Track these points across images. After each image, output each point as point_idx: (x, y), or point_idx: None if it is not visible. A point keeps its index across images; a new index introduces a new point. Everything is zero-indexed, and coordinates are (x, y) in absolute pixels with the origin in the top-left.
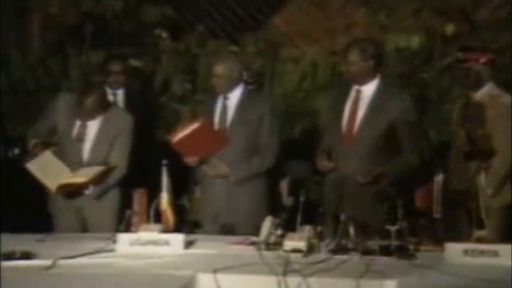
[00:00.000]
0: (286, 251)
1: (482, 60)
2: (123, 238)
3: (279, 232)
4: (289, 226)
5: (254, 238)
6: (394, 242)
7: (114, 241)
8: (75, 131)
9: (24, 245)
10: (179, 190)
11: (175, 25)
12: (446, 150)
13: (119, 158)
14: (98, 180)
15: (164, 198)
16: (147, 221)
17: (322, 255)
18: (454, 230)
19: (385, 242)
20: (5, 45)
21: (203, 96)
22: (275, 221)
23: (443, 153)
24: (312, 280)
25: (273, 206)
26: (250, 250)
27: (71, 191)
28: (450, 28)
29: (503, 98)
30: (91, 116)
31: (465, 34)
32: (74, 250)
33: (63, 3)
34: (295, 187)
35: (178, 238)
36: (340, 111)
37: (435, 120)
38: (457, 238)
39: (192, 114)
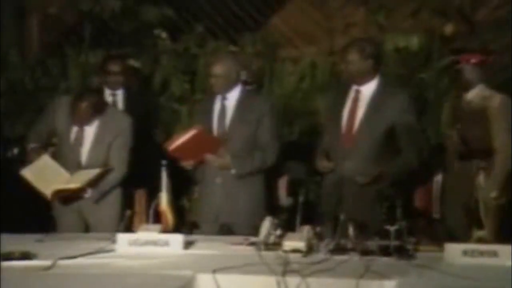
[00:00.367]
0: (285, 251)
1: (473, 60)
2: (123, 239)
3: (278, 232)
4: (288, 227)
5: (253, 239)
6: (394, 242)
7: (114, 242)
8: (73, 135)
9: (24, 245)
10: (179, 190)
11: (174, 25)
12: (445, 150)
13: (118, 160)
14: (93, 183)
15: (164, 199)
16: (147, 221)
17: (321, 255)
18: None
19: (384, 242)
20: (4, 45)
21: (202, 96)
22: (275, 222)
23: (442, 154)
24: (312, 280)
25: (272, 207)
26: (249, 251)
27: (67, 197)
28: (449, 29)
29: (496, 98)
30: (87, 121)
31: (464, 34)
32: (74, 250)
33: (62, 3)
34: (294, 188)
35: (177, 239)
36: (340, 111)
37: (434, 120)
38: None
39: (191, 115)
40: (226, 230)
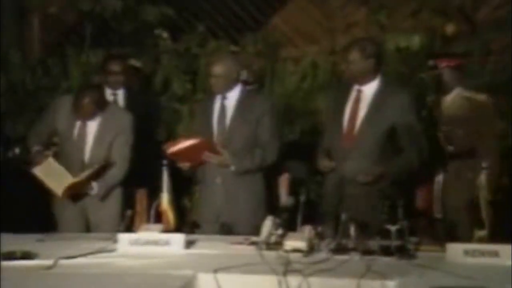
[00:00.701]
0: (286, 251)
1: (451, 64)
2: (124, 238)
3: (279, 232)
4: (289, 226)
5: (254, 238)
6: (395, 242)
7: (115, 241)
8: (76, 131)
9: (24, 245)
10: (180, 190)
11: (175, 25)
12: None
13: (120, 157)
14: (95, 176)
15: (165, 198)
16: (148, 221)
17: (322, 255)
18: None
19: (385, 242)
20: (5, 45)
21: (203, 96)
22: (276, 221)
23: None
24: (313, 280)
25: (273, 206)
26: (250, 250)
27: (76, 194)
28: (450, 28)
29: (480, 97)
30: (89, 116)
31: (465, 34)
32: (74, 250)
33: (63, 3)
34: (295, 187)
35: (178, 238)
36: (341, 111)
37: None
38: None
39: (192, 114)
40: (226, 229)
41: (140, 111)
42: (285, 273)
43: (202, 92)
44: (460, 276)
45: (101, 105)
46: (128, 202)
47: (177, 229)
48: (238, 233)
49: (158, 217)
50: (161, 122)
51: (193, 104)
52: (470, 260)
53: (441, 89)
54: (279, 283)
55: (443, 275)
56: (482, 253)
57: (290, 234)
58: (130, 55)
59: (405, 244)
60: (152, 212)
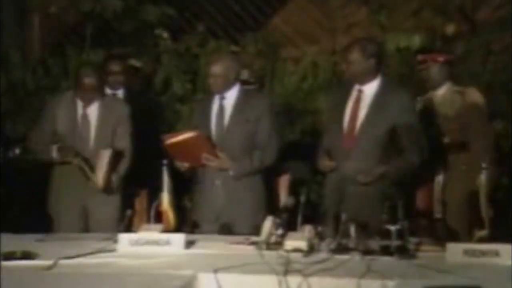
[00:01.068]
0: (287, 250)
1: (440, 59)
2: (124, 238)
3: (279, 232)
4: (289, 226)
5: (254, 238)
6: (395, 242)
7: (115, 241)
8: (79, 119)
9: (24, 245)
10: (180, 190)
11: (175, 25)
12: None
13: (124, 145)
14: (112, 166)
15: (165, 198)
16: (148, 221)
17: (322, 255)
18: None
19: (385, 242)
20: (5, 45)
21: (203, 96)
22: (276, 221)
23: (444, 153)
24: (313, 280)
25: (273, 206)
26: (250, 250)
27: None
28: (450, 28)
29: (471, 91)
30: (90, 95)
31: (465, 34)
32: (75, 250)
33: (63, 3)
34: (295, 187)
35: (178, 238)
36: (341, 111)
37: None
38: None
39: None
40: (226, 230)
41: (140, 111)
42: (285, 273)
43: (202, 92)
44: (460, 276)
45: (100, 87)
46: (128, 202)
47: (177, 229)
48: (238, 233)
49: (159, 217)
50: (161, 122)
51: (192, 103)
52: (470, 260)
53: (430, 84)
54: (279, 283)
55: (443, 275)
56: (482, 253)
57: (290, 234)
58: (130, 55)
59: (405, 244)
60: (152, 212)
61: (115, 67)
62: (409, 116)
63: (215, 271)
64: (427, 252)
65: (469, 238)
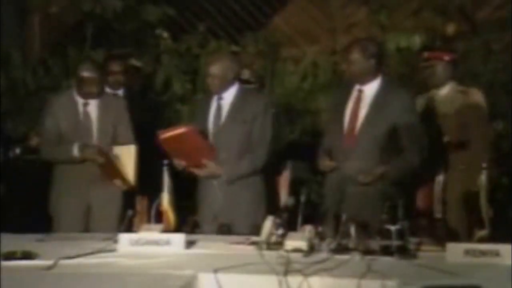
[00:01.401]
0: (287, 250)
1: (446, 58)
2: (124, 238)
3: (280, 231)
4: (290, 226)
5: (255, 238)
6: (395, 242)
7: (115, 241)
8: (80, 115)
9: (24, 245)
10: (180, 190)
11: (176, 25)
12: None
13: (129, 140)
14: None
15: (165, 198)
16: (148, 221)
17: (323, 254)
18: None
19: (386, 242)
20: (5, 45)
21: (203, 96)
22: (276, 221)
23: (444, 153)
24: (313, 280)
25: (272, 206)
26: (251, 250)
27: None
28: (450, 28)
29: (472, 92)
30: (92, 91)
31: (465, 34)
32: (75, 250)
33: (64, 3)
34: (296, 187)
35: (179, 238)
36: (342, 110)
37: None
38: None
39: (193, 114)
40: (225, 229)
41: (140, 111)
42: (286, 273)
43: (202, 92)
44: (460, 276)
45: (100, 82)
46: (129, 202)
47: (177, 229)
48: (236, 233)
49: (159, 217)
50: (161, 122)
51: (193, 104)
52: (471, 260)
53: (434, 82)
54: (279, 283)
55: (443, 275)
56: (482, 253)
57: (291, 234)
58: (131, 55)
59: (406, 244)
60: (153, 212)
61: (115, 67)
62: (409, 116)
63: (215, 271)
64: (427, 252)
65: (469, 238)
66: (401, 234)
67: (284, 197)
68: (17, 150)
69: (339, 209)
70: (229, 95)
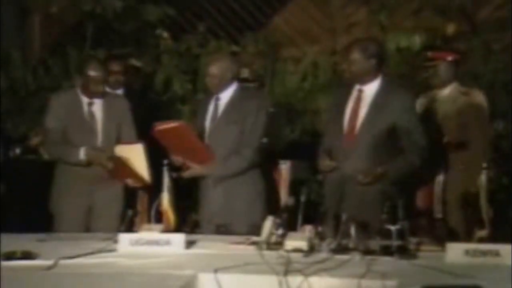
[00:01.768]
0: (287, 250)
1: (449, 58)
2: (124, 238)
3: (280, 231)
4: (290, 226)
5: (255, 238)
6: (395, 242)
7: (116, 241)
8: (85, 116)
9: (24, 245)
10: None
11: (176, 25)
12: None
13: (133, 138)
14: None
15: (165, 198)
16: (148, 221)
17: (323, 254)
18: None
19: (386, 242)
20: (5, 45)
21: (203, 96)
22: (276, 221)
23: (444, 153)
24: (313, 280)
25: (270, 206)
26: (251, 250)
27: None
28: (451, 28)
29: (475, 93)
30: (98, 90)
31: (466, 34)
32: (75, 250)
33: (64, 3)
34: (296, 187)
35: (179, 238)
36: (342, 110)
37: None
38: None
39: (193, 114)
40: (223, 229)
41: (140, 111)
42: (286, 273)
43: (202, 92)
44: (460, 276)
45: (106, 81)
46: (129, 202)
47: (177, 229)
48: (234, 233)
49: (159, 217)
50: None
51: (194, 104)
52: (471, 260)
53: (437, 82)
54: (280, 283)
55: (443, 275)
56: (482, 253)
57: (291, 234)
58: (131, 55)
59: (406, 244)
60: (153, 212)
61: (115, 67)
62: (409, 116)
63: (215, 271)
64: (427, 252)
65: (469, 238)
66: (401, 234)
67: (284, 197)
68: (17, 150)
69: (339, 209)
70: (226, 95)
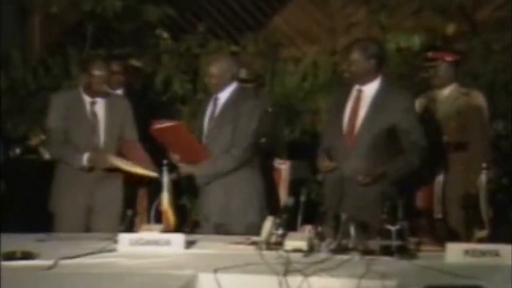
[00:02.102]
0: (287, 251)
1: (449, 59)
2: (124, 238)
3: (280, 231)
4: (289, 226)
5: (255, 238)
6: (395, 242)
7: (115, 241)
8: (88, 116)
9: (24, 245)
10: (180, 190)
11: (175, 25)
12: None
13: (135, 138)
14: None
15: (165, 198)
16: (148, 221)
17: (323, 255)
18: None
19: (385, 242)
20: (5, 45)
21: (204, 96)
22: (276, 221)
23: (444, 153)
24: (313, 280)
25: (272, 206)
26: (251, 250)
27: None
28: (451, 28)
29: (474, 94)
30: (102, 89)
31: (466, 34)
32: (75, 250)
33: (64, 3)
34: (296, 187)
35: (179, 238)
36: (341, 110)
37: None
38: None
39: (193, 114)
40: (222, 230)
41: (140, 111)
42: (285, 273)
43: (202, 92)
44: (460, 276)
45: (108, 80)
46: (129, 202)
47: (177, 229)
48: (232, 232)
49: (159, 217)
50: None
51: (194, 104)
52: (471, 260)
53: (437, 82)
54: (279, 283)
55: (443, 275)
56: (482, 253)
57: (291, 234)
58: (131, 55)
59: (406, 244)
60: (153, 212)
61: (115, 67)
62: (409, 116)
63: (215, 271)
64: (427, 252)
65: (469, 238)
66: (401, 234)
67: (284, 197)
68: (17, 150)
69: (339, 209)
70: (225, 95)
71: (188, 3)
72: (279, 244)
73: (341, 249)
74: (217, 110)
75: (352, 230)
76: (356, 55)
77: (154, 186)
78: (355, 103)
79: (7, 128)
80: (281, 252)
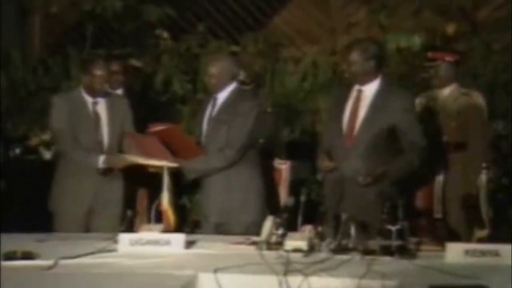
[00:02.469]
0: (287, 250)
1: (449, 58)
2: (124, 238)
3: (280, 231)
4: (289, 226)
5: (255, 238)
6: (395, 242)
7: (116, 241)
8: (91, 116)
9: (24, 245)
10: (180, 190)
11: (175, 25)
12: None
13: None
14: None
15: (165, 198)
16: (148, 221)
17: (323, 254)
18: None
19: (386, 242)
20: (5, 45)
21: (204, 96)
22: (276, 221)
23: (444, 153)
24: (313, 280)
25: (272, 206)
26: (251, 250)
27: None
28: (451, 28)
29: (473, 94)
30: (103, 89)
31: (466, 34)
32: (75, 250)
33: (64, 3)
34: (296, 187)
35: (179, 238)
36: (341, 111)
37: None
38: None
39: (193, 114)
40: (222, 229)
41: (140, 111)
42: (286, 273)
43: (202, 92)
44: (460, 276)
45: (109, 80)
46: (129, 202)
47: (177, 228)
48: (231, 231)
49: (159, 217)
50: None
51: (194, 104)
52: (470, 260)
53: (437, 82)
54: (279, 283)
55: (443, 275)
56: (482, 253)
57: (291, 234)
58: (131, 55)
59: (406, 244)
60: (153, 212)
61: (115, 67)
62: (408, 116)
63: (215, 271)
64: (427, 252)
65: (469, 238)
66: (401, 234)
67: (284, 197)
68: (17, 150)
69: (339, 209)
70: (223, 96)
71: (188, 3)
72: (279, 244)
73: (341, 249)
74: (215, 110)
75: (352, 230)
76: (355, 56)
77: (154, 186)
78: (355, 103)
79: (7, 128)
80: (281, 252)
